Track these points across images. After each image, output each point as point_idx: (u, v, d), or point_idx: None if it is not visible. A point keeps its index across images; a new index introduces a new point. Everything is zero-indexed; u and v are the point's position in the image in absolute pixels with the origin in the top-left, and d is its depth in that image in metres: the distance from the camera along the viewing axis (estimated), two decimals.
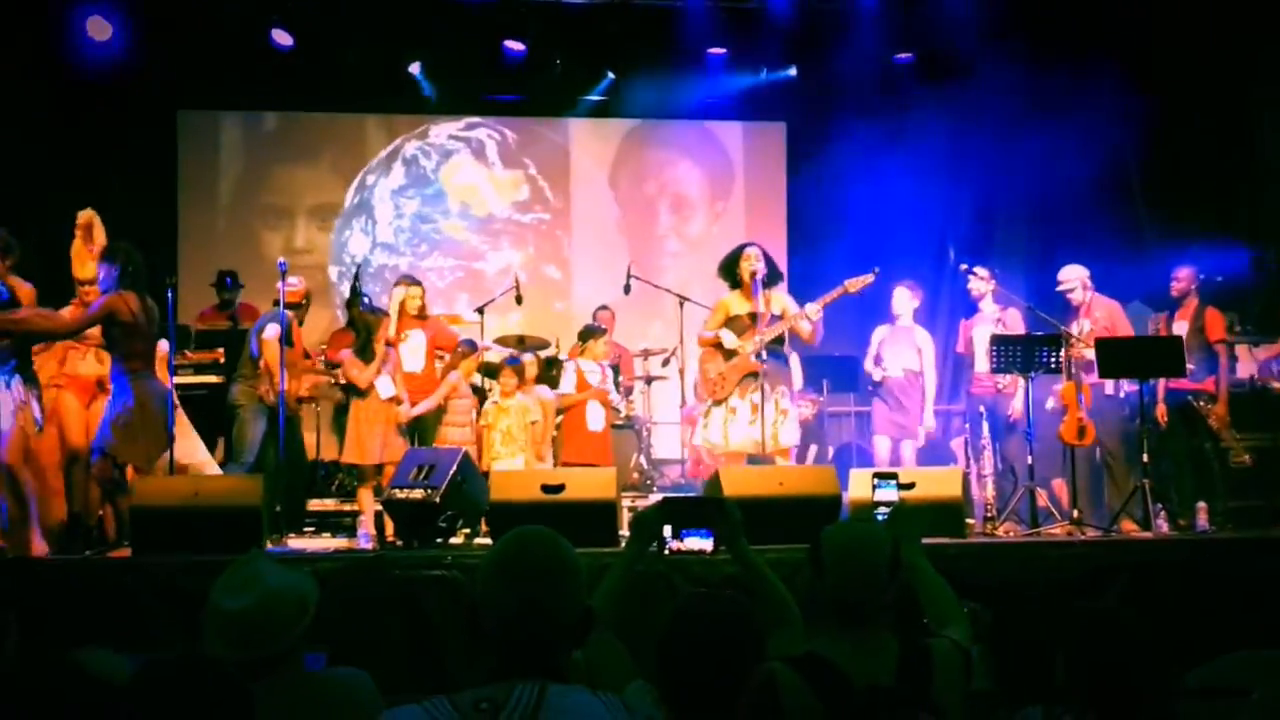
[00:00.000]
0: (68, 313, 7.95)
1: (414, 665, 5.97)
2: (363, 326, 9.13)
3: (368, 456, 8.82)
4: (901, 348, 9.91)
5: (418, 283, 10.09)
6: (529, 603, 2.45)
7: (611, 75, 13.06)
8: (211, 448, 9.49)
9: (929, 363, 9.94)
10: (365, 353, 8.99)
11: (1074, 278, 9.42)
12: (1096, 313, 9.34)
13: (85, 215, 8.25)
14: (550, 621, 2.45)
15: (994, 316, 9.51)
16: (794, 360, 10.64)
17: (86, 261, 8.06)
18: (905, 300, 9.95)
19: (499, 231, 13.69)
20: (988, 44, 11.64)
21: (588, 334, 10.74)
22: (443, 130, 13.67)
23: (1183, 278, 9.35)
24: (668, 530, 3.57)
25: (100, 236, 8.21)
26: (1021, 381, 8.84)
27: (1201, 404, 9.09)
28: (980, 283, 9.60)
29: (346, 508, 9.69)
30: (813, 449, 11.17)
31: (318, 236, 13.45)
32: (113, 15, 11.51)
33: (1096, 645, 3.01)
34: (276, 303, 9.36)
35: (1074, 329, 9.24)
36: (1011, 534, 8.47)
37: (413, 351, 9.65)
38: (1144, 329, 9.56)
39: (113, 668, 3.38)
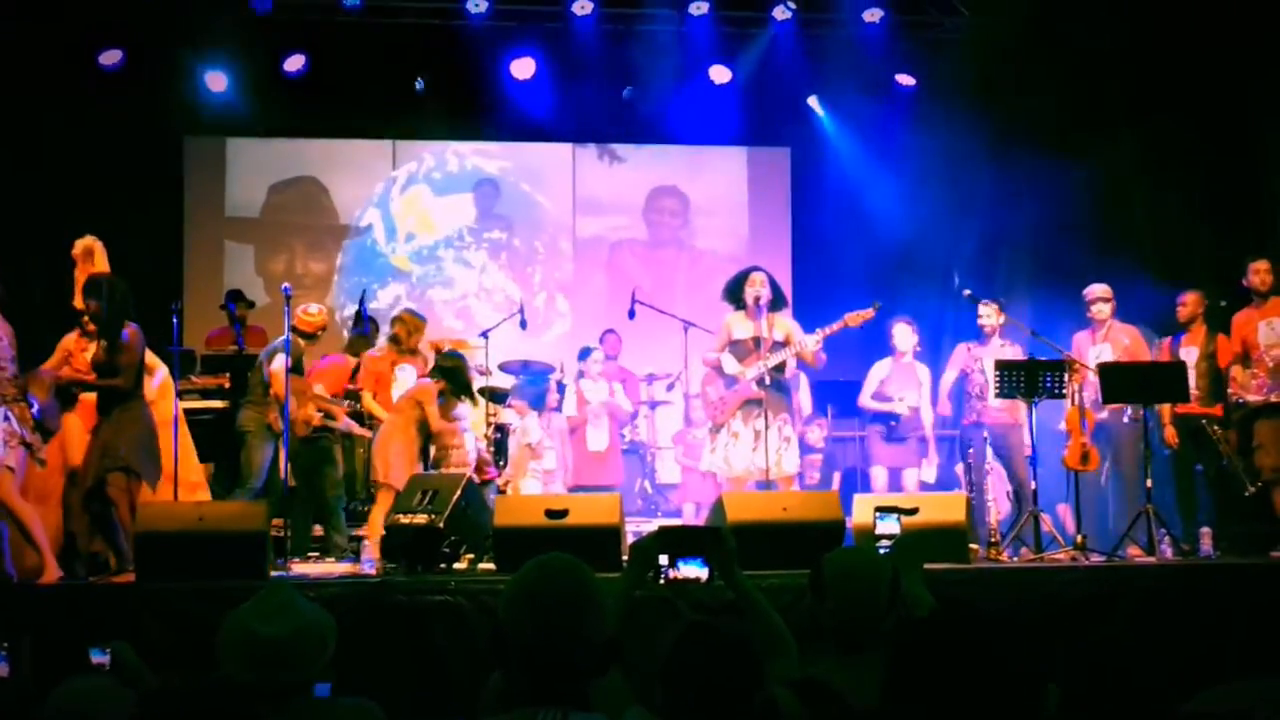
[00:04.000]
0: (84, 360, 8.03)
1: (419, 691, 5.98)
2: (459, 373, 9.11)
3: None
4: (907, 383, 9.95)
5: (415, 315, 10.13)
6: (551, 629, 2.46)
7: (627, 92, 13.06)
8: (216, 473, 9.53)
9: (926, 398, 9.98)
10: (457, 397, 9.01)
11: (1104, 293, 9.42)
12: (1123, 339, 9.33)
13: (82, 243, 8.29)
14: (572, 648, 2.46)
15: (1000, 350, 9.42)
16: (804, 385, 10.69)
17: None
18: (906, 336, 9.98)
19: (498, 257, 13.71)
20: (991, 70, 11.71)
21: (584, 354, 10.90)
22: (443, 155, 13.71)
23: (1189, 302, 9.34)
24: (665, 558, 3.60)
25: (102, 262, 8.24)
26: (1023, 406, 8.82)
27: (1214, 429, 9.06)
28: (990, 318, 9.52)
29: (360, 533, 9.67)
30: (836, 476, 11.19)
31: (324, 261, 13.49)
32: (122, 41, 11.59)
33: (1088, 674, 3.02)
34: (293, 329, 9.42)
35: (1091, 355, 9.23)
36: (1016, 559, 8.47)
37: (403, 384, 9.62)
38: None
39: (111, 693, 3.41)
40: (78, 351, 8.08)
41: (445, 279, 13.63)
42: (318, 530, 9.63)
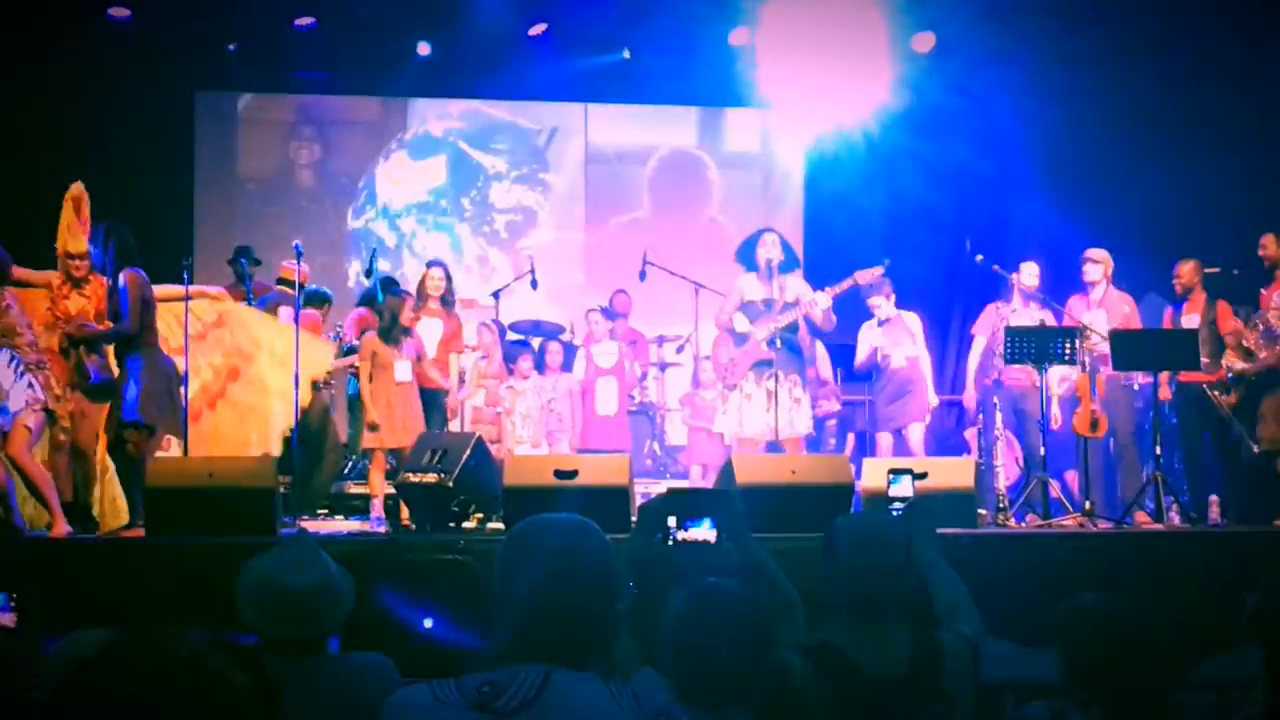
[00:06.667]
0: (89, 310, 8.01)
1: (427, 649, 6.00)
2: (387, 310, 8.95)
3: (385, 441, 8.74)
4: (898, 337, 9.92)
5: (440, 265, 10.03)
6: (540, 587, 2.44)
7: (626, 54, 12.94)
8: None
9: (922, 343, 9.97)
10: (389, 336, 8.85)
11: (1096, 256, 9.41)
12: (1123, 307, 9.33)
13: (76, 189, 8.26)
14: (564, 606, 2.43)
15: (1027, 312, 9.44)
16: (820, 351, 10.67)
17: (79, 236, 8.10)
18: (883, 303, 9.91)
19: (510, 217, 13.68)
20: (1008, 28, 11.62)
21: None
22: (454, 114, 13.66)
23: (1184, 273, 9.31)
24: (673, 520, 3.61)
25: (86, 212, 8.25)
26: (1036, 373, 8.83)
27: (1216, 394, 9.04)
28: (1031, 278, 9.50)
29: (360, 491, 9.70)
30: (850, 438, 11.21)
31: (336, 219, 13.47)
32: None
33: (1099, 640, 3.02)
34: (280, 282, 9.40)
35: (1085, 320, 9.22)
36: (1024, 525, 8.48)
37: (426, 339, 9.52)
38: (1159, 323, 9.53)
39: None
40: (59, 299, 8.06)
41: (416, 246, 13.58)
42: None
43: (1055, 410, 9.08)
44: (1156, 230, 11.17)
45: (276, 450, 8.80)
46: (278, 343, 9.06)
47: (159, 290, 8.15)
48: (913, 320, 10.05)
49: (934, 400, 10.07)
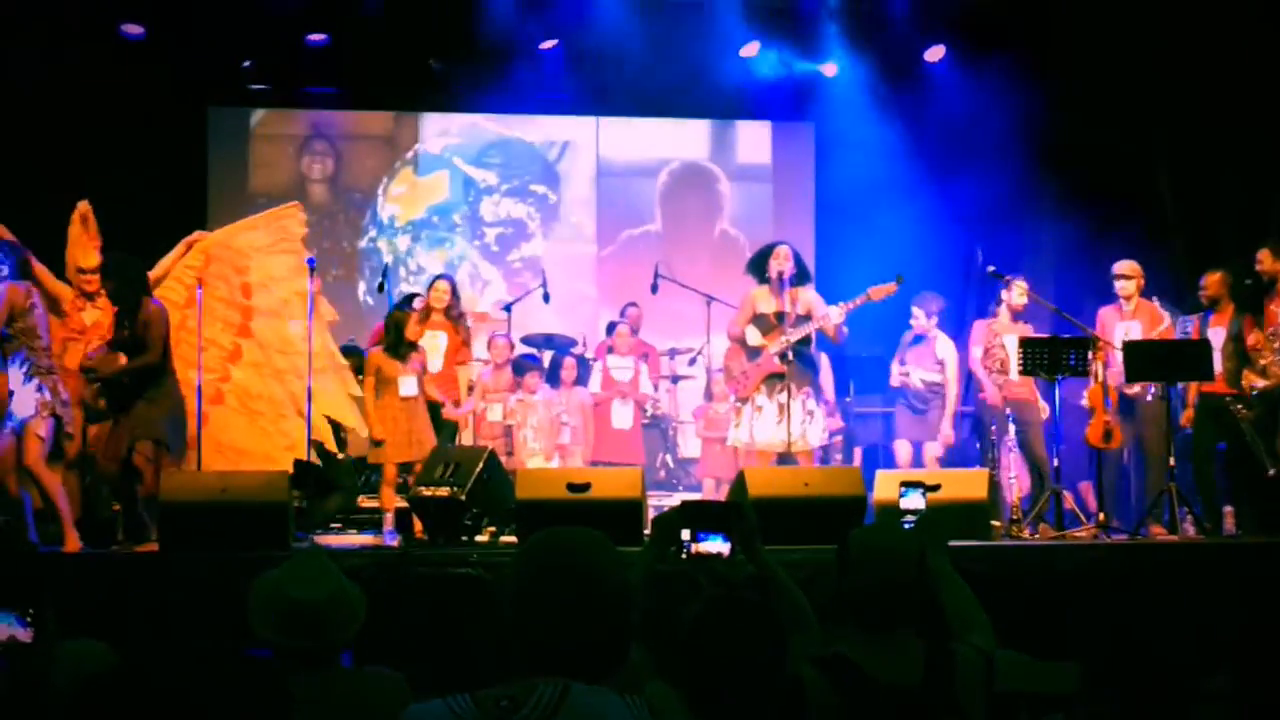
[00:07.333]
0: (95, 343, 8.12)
1: (439, 663, 6.00)
2: (391, 324, 8.97)
3: (393, 455, 8.74)
4: (923, 358, 9.89)
5: (447, 278, 10.07)
6: (551, 602, 2.43)
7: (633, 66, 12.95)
8: None
9: (951, 374, 9.85)
10: (395, 351, 8.86)
11: (1128, 270, 9.37)
12: (1159, 320, 9.27)
13: (83, 205, 8.41)
14: (576, 621, 2.43)
15: (1015, 328, 9.42)
16: (825, 366, 10.64)
17: (89, 250, 8.19)
18: (922, 318, 9.90)
19: (521, 228, 13.69)
20: (1021, 42, 11.64)
21: (611, 329, 10.88)
22: (453, 131, 13.67)
23: (1211, 283, 9.20)
24: (686, 533, 3.60)
25: (95, 227, 8.36)
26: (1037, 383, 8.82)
27: (1238, 408, 8.96)
28: (1021, 296, 9.44)
29: (372, 504, 9.70)
30: (858, 452, 11.17)
31: (347, 234, 13.49)
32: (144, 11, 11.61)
33: (1118, 651, 3.02)
34: None
35: (1119, 331, 9.18)
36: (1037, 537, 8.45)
37: (432, 351, 9.47)
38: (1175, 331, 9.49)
39: (98, 659, 3.43)
40: (74, 311, 8.13)
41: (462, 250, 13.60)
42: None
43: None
44: (1167, 239, 11.16)
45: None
46: (257, 239, 9.40)
47: (155, 270, 8.39)
48: (945, 347, 9.95)
49: (948, 433, 9.91)
